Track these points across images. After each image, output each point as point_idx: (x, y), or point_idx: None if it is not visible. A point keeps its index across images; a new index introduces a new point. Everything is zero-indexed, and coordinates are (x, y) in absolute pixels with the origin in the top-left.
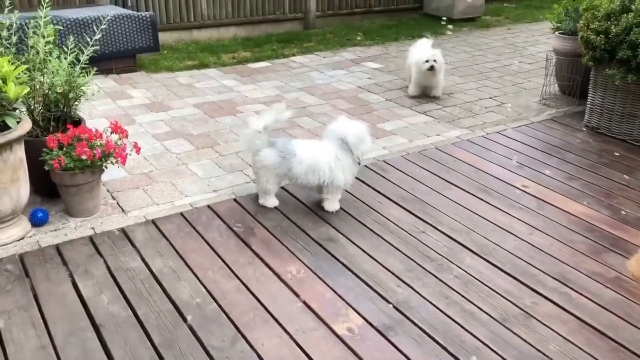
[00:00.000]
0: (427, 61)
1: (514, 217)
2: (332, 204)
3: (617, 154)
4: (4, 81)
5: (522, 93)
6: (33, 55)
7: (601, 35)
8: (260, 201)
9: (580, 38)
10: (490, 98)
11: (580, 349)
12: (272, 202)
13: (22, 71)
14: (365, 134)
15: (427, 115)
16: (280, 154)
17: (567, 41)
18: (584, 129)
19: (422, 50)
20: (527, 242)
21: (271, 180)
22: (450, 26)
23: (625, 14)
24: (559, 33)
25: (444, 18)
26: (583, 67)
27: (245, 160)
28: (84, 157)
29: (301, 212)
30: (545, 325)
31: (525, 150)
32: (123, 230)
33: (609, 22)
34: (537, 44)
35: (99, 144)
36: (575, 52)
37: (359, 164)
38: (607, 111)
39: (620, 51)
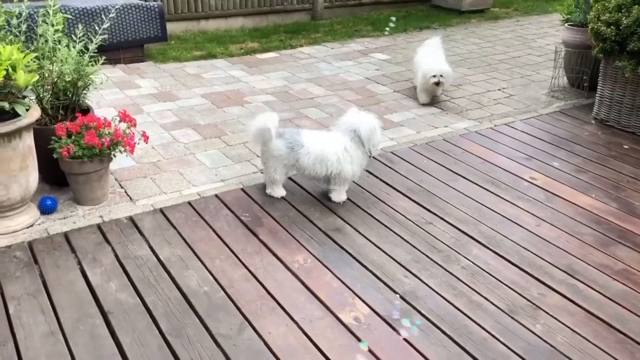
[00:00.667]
0: (434, 76)
1: (522, 208)
2: (339, 195)
3: (626, 146)
4: (14, 69)
5: (531, 85)
6: (42, 44)
7: (612, 27)
8: (268, 191)
9: (590, 30)
10: (499, 90)
11: (588, 340)
12: (279, 192)
13: (31, 59)
14: (377, 126)
15: (434, 106)
16: (289, 145)
17: (577, 33)
18: (593, 122)
19: (431, 54)
20: (534, 233)
21: (279, 171)
22: (393, 18)
23: (636, 5)
24: (568, 25)
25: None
26: (592, 59)
27: (252, 150)
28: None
29: (308, 202)
30: (552, 316)
31: (534, 142)
32: (131, 219)
33: (619, 14)
34: (546, 36)
35: (107, 132)
36: (585, 44)
37: (370, 156)
38: (616, 103)
39: (631, 43)
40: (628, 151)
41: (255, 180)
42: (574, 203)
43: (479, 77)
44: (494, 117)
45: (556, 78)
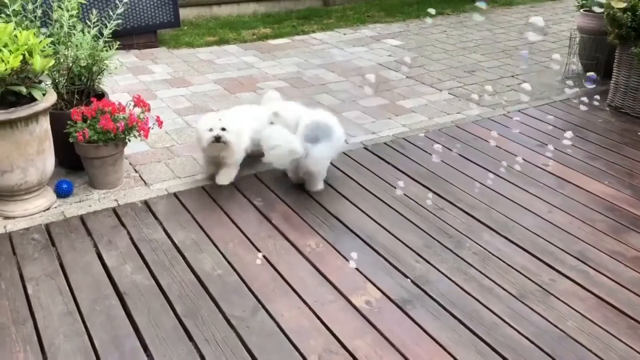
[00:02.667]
0: (211, 129)
1: (534, 195)
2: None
3: None
4: (30, 54)
5: (545, 72)
6: (57, 29)
7: (628, 13)
8: (320, 187)
9: (606, 15)
10: (512, 76)
11: (598, 325)
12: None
13: (47, 44)
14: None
15: (448, 92)
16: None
17: (592, 19)
18: (607, 109)
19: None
20: (546, 220)
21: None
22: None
23: None
24: (584, 10)
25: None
26: (607, 45)
27: None
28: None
29: None
30: (563, 302)
31: (547, 129)
32: (146, 203)
33: None
34: (561, 22)
35: (122, 117)
36: (600, 30)
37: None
38: (631, 90)
39: None
40: None
41: (268, 167)
42: (586, 190)
43: (492, 63)
44: (507, 104)
45: (570, 64)
